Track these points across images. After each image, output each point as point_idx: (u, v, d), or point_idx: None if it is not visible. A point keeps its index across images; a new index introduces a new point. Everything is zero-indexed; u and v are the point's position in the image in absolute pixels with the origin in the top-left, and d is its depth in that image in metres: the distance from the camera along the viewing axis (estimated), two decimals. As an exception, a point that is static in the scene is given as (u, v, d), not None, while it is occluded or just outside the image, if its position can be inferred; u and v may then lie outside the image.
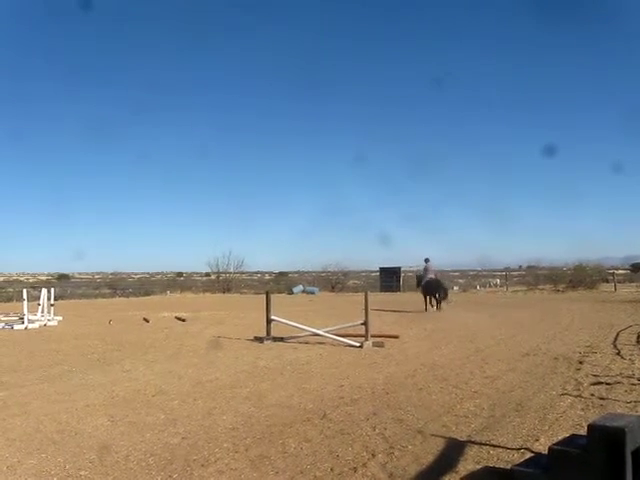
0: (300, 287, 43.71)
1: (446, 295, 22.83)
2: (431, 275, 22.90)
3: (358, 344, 12.48)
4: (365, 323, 12.89)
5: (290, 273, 59.82)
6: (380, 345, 12.42)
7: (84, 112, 62.93)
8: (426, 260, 23.29)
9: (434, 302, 22.39)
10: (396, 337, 13.71)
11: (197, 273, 69.65)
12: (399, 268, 44.02)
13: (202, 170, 76.22)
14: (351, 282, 50.79)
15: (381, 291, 41.14)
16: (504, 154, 70.90)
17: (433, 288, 22.54)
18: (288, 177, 79.17)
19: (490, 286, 47.10)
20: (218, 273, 47.38)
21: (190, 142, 71.82)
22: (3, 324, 18.34)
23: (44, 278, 71.24)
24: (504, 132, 71.04)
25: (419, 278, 24.55)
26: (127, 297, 40.47)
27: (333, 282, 46.24)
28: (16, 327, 17.74)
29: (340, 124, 72.67)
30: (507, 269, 53.09)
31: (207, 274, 57.40)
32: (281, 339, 13.57)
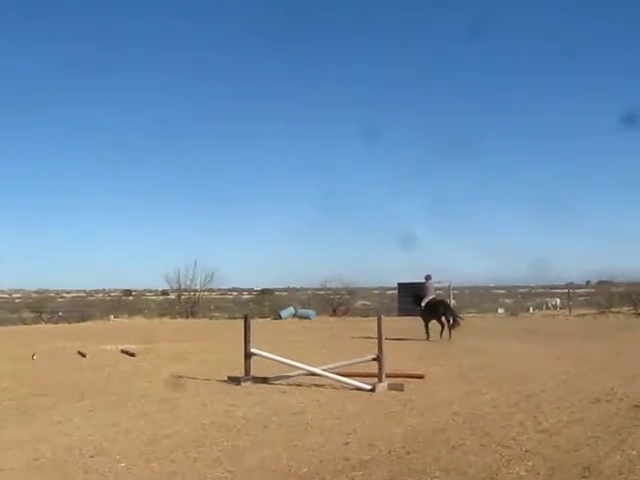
0: (291, 310, 43.64)
1: (457, 318, 23.78)
2: (432, 295, 24.64)
3: (369, 386, 12.45)
4: (378, 358, 12.86)
5: (277, 290, 59.85)
6: (399, 388, 12.38)
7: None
8: (427, 277, 25.06)
9: (445, 329, 23.55)
10: (420, 377, 13.68)
11: (151, 291, 69.67)
12: (423, 284, 43.85)
13: (158, 153, 76.64)
14: (359, 303, 50.82)
15: (400, 315, 40.98)
16: (565, 130, 71.25)
17: (438, 310, 23.86)
18: (273, 161, 79.56)
19: (547, 307, 47.14)
20: (179, 291, 47.30)
21: (141, 114, 72.14)
22: None
23: None
24: (564, 100, 71.43)
25: (417, 297, 25.57)
26: (56, 323, 40.40)
27: (335, 303, 46.18)
28: None
29: (341, 90, 73.06)
30: (570, 285, 52.97)
31: (164, 292, 57.39)
32: (265, 380, 13.53)
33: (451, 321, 23.54)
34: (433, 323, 23.94)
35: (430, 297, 24.46)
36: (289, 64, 77.11)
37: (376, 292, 62.20)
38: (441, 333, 23.48)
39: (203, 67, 76.84)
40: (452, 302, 44.29)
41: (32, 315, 43.95)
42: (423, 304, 24.37)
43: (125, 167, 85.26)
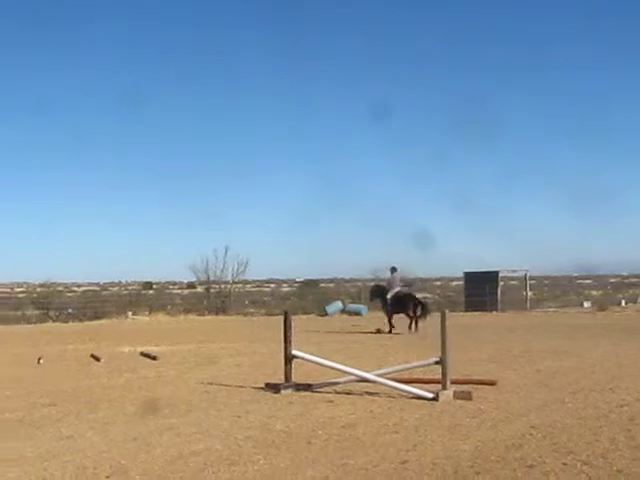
0: (338, 304, 43.63)
1: (426, 311, 27.12)
2: (398, 288, 27.94)
3: (431, 395, 12.41)
4: (442, 361, 12.80)
5: (322, 282, 59.85)
6: (466, 397, 12.34)
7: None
8: (392, 269, 28.46)
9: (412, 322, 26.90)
10: (492, 384, 13.64)
11: (175, 283, 70.19)
12: (496, 273, 43.70)
13: (181, 131, 77.32)
14: (418, 296, 50.57)
15: (467, 310, 40.94)
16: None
17: (404, 303, 27.11)
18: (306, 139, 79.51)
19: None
20: (208, 283, 47.50)
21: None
22: None
23: None
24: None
25: (378, 290, 29.38)
26: (65, 321, 40.86)
27: (389, 297, 46.07)
28: None
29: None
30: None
31: (190, 285, 57.72)
32: (308, 387, 13.56)
33: (418, 312, 26.81)
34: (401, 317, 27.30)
35: (396, 290, 27.64)
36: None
37: (438, 283, 62.04)
38: (409, 326, 26.73)
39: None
40: (529, 294, 44.24)
41: (37, 312, 44.31)
42: (389, 296, 27.44)
43: (144, 145, 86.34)
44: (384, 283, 29.64)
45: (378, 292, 29.16)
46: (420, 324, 26.40)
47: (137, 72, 78.21)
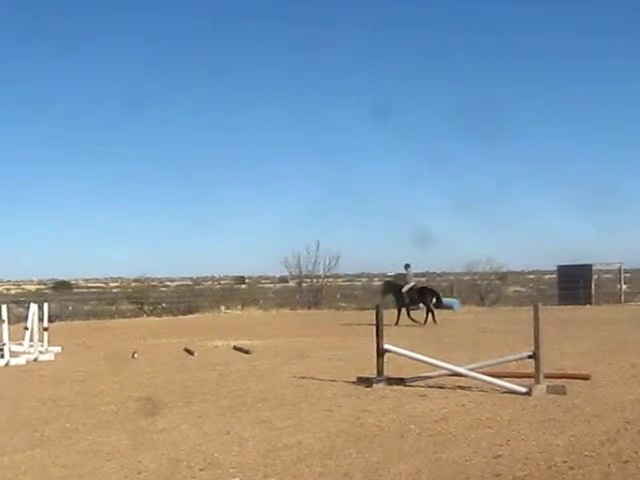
0: (430, 299, 43.57)
1: (442, 302, 30.75)
2: (413, 282, 30.44)
3: (524, 389, 12.30)
4: (535, 356, 12.67)
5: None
6: (560, 391, 12.20)
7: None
8: (406, 266, 30.65)
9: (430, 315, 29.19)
10: (586, 378, 13.46)
11: (267, 278, 70.70)
12: (590, 266, 43.12)
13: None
14: (511, 290, 50.23)
15: (560, 303, 40.44)
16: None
17: (423, 295, 29.61)
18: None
19: None
20: (300, 278, 47.72)
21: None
22: (-27, 359, 18.97)
23: (33, 288, 73.68)
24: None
25: (390, 287, 32.16)
26: (159, 316, 41.48)
27: (482, 290, 45.80)
28: (-7, 363, 18.41)
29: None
30: None
31: (282, 279, 58.03)
32: (401, 381, 13.54)
33: (435, 303, 29.61)
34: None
35: (411, 284, 30.10)
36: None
37: (531, 277, 61.35)
38: (425, 320, 29.01)
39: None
40: (623, 287, 43.61)
41: (132, 307, 44.70)
42: (405, 290, 29.63)
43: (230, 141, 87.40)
44: (393, 280, 34.10)
45: (390, 288, 31.98)
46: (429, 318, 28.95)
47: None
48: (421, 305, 29.86)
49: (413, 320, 29.03)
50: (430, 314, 29.09)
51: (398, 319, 28.76)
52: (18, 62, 79.79)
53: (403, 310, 29.60)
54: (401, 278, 31.85)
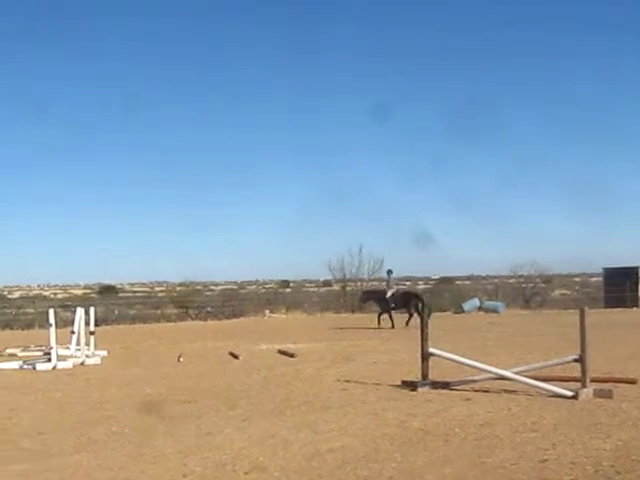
0: (475, 302, 43.33)
1: (426, 307, 29.04)
2: (394, 288, 31.57)
3: (571, 393, 12.20)
4: (582, 359, 12.57)
5: (458, 279, 59.58)
6: (607, 395, 12.09)
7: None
8: (389, 272, 32.38)
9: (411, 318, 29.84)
10: (633, 382, 13.33)
11: (311, 281, 70.84)
12: (636, 269, 42.77)
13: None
14: (556, 293, 49.93)
15: (606, 306, 40.15)
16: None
17: (407, 300, 30.69)
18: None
19: None
20: (344, 281, 47.79)
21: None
22: (21, 363, 19.24)
23: (79, 292, 74.82)
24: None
25: (370, 293, 35.22)
26: (204, 320, 41.66)
27: (528, 293, 45.57)
28: (40, 367, 18.48)
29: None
30: None
31: (327, 283, 58.18)
32: (446, 385, 13.51)
33: (419, 308, 29.47)
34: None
35: (394, 289, 31.26)
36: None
37: (577, 280, 60.93)
38: (407, 322, 29.61)
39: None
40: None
41: (177, 311, 45.12)
42: (388, 296, 30.59)
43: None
44: (373, 287, 36.71)
45: (371, 296, 34.58)
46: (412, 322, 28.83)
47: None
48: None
49: (379, 324, 30.00)
50: (409, 317, 30.13)
51: (392, 322, 29.86)
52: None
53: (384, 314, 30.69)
54: (387, 284, 32.60)
